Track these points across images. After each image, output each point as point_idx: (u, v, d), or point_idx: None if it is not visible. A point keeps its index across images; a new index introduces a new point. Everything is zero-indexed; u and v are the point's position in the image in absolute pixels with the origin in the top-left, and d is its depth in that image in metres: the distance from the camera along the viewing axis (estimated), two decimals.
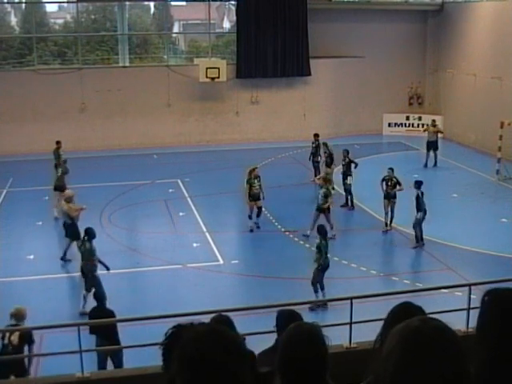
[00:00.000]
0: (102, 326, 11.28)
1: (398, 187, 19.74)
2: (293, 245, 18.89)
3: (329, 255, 15.19)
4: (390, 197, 19.80)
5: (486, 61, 29.84)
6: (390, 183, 19.82)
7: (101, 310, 11.80)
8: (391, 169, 20.16)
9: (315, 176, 23.62)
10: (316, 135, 25.14)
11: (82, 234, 15.03)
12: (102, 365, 11.36)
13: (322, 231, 15.19)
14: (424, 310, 3.46)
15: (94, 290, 14.34)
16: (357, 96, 33.53)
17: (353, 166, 22.06)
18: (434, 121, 28.90)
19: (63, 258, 17.57)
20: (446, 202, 22.94)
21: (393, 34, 33.92)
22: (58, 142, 24.13)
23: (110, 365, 11.41)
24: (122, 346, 11.23)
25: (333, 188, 20.67)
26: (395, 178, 19.87)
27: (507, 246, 18.20)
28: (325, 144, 24.11)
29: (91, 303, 13.65)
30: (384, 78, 33.85)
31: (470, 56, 31.28)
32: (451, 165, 28.34)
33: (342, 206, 22.08)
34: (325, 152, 23.91)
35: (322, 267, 15.00)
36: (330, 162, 23.37)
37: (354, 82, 33.34)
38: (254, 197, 19.94)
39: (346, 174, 22.08)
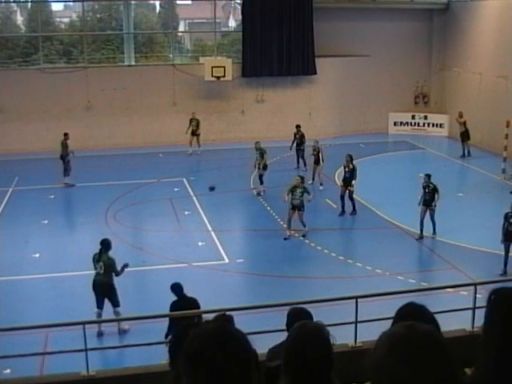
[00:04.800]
0: (185, 316, 11.06)
1: (436, 196, 18.74)
2: (298, 243, 18.89)
3: None
4: (427, 204, 18.77)
5: (492, 60, 29.78)
6: (427, 190, 18.83)
7: (183, 300, 11.52)
8: (428, 175, 19.14)
9: (298, 163, 26.67)
10: (298, 126, 27.02)
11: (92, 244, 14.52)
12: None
13: None
14: (429, 310, 3.46)
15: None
16: (362, 95, 33.49)
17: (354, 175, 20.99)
18: (460, 112, 29.12)
19: None
20: (451, 200, 22.90)
21: (398, 33, 33.87)
22: (65, 134, 24.97)
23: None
24: (128, 345, 11.24)
25: (321, 184, 24.03)
26: (432, 183, 18.89)
27: None
28: (316, 141, 24.82)
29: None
30: (390, 76, 33.79)
31: (475, 55, 31.23)
32: (457, 164, 28.32)
33: (340, 216, 21.14)
34: (314, 150, 24.49)
35: None
36: (317, 160, 24.28)
37: (359, 81, 33.30)
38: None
39: (350, 179, 21.01)
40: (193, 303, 11.26)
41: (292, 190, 19.22)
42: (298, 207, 19.11)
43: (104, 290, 13.75)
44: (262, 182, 23.62)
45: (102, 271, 13.71)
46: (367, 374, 1.96)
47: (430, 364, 1.84)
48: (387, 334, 1.93)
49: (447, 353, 1.90)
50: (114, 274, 13.75)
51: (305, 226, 19.23)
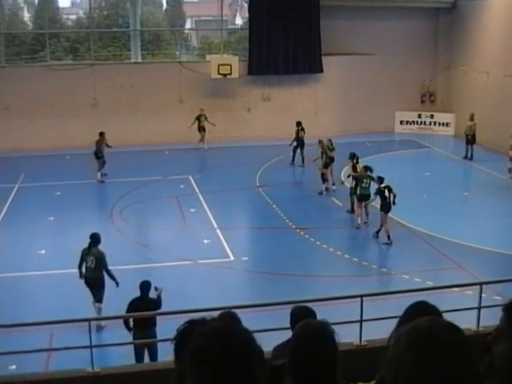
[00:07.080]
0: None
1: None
2: (303, 242, 18.87)
3: None
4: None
5: (499, 59, 29.68)
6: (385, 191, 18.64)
7: (142, 300, 11.65)
8: (380, 178, 18.88)
9: (303, 161, 26.59)
10: (299, 123, 27.09)
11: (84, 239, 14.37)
12: (139, 357, 11.25)
13: None
14: (439, 310, 3.44)
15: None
16: (369, 93, 33.42)
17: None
18: (472, 115, 28.84)
19: None
20: (457, 200, 22.89)
21: (405, 32, 33.79)
22: (102, 133, 25.30)
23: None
24: (133, 342, 11.25)
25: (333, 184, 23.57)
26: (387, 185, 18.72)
27: None
28: (320, 142, 23.71)
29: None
30: (396, 75, 33.73)
31: (482, 54, 31.14)
32: (462, 163, 28.25)
33: (348, 212, 21.05)
34: (322, 152, 23.45)
35: None
36: (328, 163, 23.22)
37: (365, 80, 33.24)
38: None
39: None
40: (153, 305, 11.47)
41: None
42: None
43: (94, 283, 13.84)
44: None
45: (93, 265, 13.81)
46: (381, 369, 1.96)
47: (455, 356, 1.84)
48: (409, 327, 1.93)
49: (470, 346, 1.90)
50: (104, 268, 13.80)
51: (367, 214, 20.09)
